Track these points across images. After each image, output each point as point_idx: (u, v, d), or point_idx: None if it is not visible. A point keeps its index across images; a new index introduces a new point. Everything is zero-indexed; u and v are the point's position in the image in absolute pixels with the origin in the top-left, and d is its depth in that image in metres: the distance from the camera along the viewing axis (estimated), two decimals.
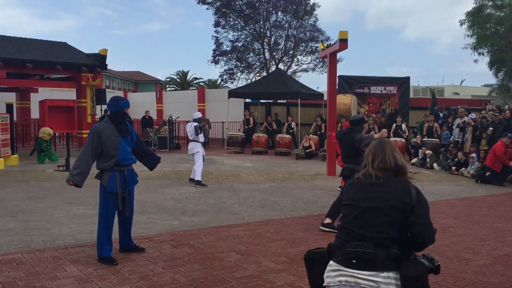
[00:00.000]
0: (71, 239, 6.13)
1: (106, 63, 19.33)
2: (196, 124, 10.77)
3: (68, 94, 20.79)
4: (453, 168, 13.53)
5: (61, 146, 19.13)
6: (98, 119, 19.87)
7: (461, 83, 52.07)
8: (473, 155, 12.96)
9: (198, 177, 10.57)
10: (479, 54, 35.58)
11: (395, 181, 2.71)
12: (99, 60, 19.01)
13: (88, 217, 7.37)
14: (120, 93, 32.83)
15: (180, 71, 57.44)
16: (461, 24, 35.01)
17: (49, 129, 14.84)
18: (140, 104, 26.05)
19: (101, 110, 19.33)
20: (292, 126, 19.51)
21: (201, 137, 10.81)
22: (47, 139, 14.76)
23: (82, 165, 5.16)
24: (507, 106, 17.92)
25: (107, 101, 19.62)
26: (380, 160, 2.75)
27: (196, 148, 10.78)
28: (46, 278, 4.71)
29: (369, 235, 2.59)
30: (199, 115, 11.32)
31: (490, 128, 13.33)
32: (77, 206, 8.14)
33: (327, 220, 6.80)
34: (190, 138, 10.89)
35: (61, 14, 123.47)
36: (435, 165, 14.56)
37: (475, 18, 33.72)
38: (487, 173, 11.73)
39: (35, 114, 20.71)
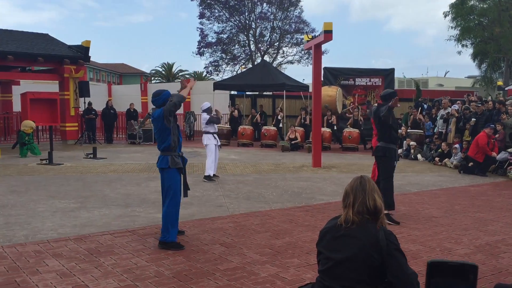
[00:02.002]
0: (54, 233, 6.06)
1: (89, 55, 19.12)
2: (205, 114, 10.27)
3: (50, 86, 20.51)
4: (437, 159, 13.66)
5: (44, 139, 18.90)
6: (81, 112, 19.68)
7: (445, 75, 52.54)
8: (457, 146, 13.09)
9: (206, 171, 10.24)
10: (463, 45, 35.95)
11: (366, 230, 2.71)
12: (82, 52, 18.77)
13: (71, 210, 7.29)
14: (105, 86, 32.48)
15: (165, 63, 56.96)
16: (445, 16, 35.32)
17: (31, 122, 14.65)
18: (125, 97, 25.75)
19: (84, 102, 19.13)
20: (279, 118, 19.49)
21: (211, 127, 10.30)
22: (29, 132, 14.57)
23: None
24: (489, 98, 18.15)
25: (89, 93, 19.38)
26: (360, 202, 2.76)
27: (205, 140, 10.36)
28: (27, 272, 4.65)
29: None
30: (207, 105, 10.56)
31: (473, 119, 13.47)
32: (60, 200, 8.05)
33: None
34: (203, 128, 10.49)
35: (43, 5, 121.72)
36: (419, 156, 14.69)
37: (459, 10, 34.00)
38: (470, 164, 11.86)
39: (17, 107, 20.39)
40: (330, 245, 2.78)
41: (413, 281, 2.65)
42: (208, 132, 10.34)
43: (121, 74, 63.69)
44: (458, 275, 2.02)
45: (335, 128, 17.95)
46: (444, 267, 2.05)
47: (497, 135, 12.27)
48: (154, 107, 5.85)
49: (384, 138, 7.13)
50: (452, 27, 35.08)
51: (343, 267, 2.68)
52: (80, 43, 19.03)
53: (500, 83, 29.76)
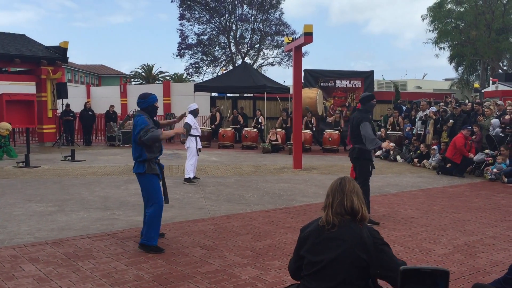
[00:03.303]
0: (30, 237, 5.93)
1: (67, 56, 18.84)
2: (186, 122, 10.01)
3: (27, 88, 20.15)
4: (416, 160, 13.83)
5: (20, 142, 18.55)
6: (59, 114, 19.37)
7: (423, 77, 53.33)
8: (435, 147, 13.26)
9: (186, 173, 10.13)
10: (440, 48, 36.54)
11: (350, 230, 2.72)
12: (59, 53, 18.50)
13: (48, 214, 7.16)
14: (83, 87, 32.06)
15: (145, 65, 56.33)
16: (423, 19, 35.86)
17: (7, 124, 14.37)
18: (104, 98, 25.50)
19: (62, 104, 18.85)
20: (260, 121, 19.46)
21: (194, 130, 10.15)
22: (5, 134, 14.27)
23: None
24: (467, 101, 18.40)
25: (67, 94, 19.03)
26: (338, 203, 2.78)
27: (188, 142, 10.22)
28: (3, 278, 4.54)
29: None
30: (194, 106, 10.34)
31: (450, 120, 13.66)
32: (37, 203, 7.89)
33: None
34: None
35: (19, 5, 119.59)
36: (398, 157, 14.85)
37: (436, 13, 34.54)
38: (448, 165, 12.03)
39: None
40: (315, 249, 2.76)
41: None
42: (191, 135, 10.25)
43: (100, 75, 63.01)
44: (430, 280, 2.05)
45: (314, 129, 18.02)
46: (416, 273, 2.08)
47: (474, 137, 12.47)
48: (137, 109, 5.74)
49: (359, 140, 7.02)
50: (430, 30, 35.65)
51: (330, 269, 2.68)
52: (57, 44, 18.74)
53: (476, 85, 30.30)
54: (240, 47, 35.20)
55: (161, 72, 56.28)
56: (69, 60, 19.81)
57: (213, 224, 6.73)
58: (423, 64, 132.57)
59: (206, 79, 30.58)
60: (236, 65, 31.45)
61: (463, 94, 34.61)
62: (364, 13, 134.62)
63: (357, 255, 2.64)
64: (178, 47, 35.26)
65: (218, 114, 20.80)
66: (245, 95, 24.18)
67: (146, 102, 5.50)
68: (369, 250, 2.65)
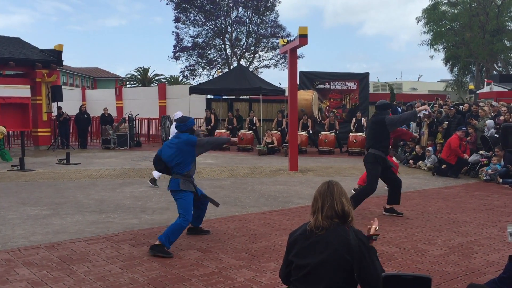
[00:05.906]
0: (25, 241, 5.90)
1: (62, 59, 18.78)
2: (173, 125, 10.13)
3: (22, 91, 20.08)
4: (411, 161, 13.86)
5: (15, 145, 18.48)
6: (54, 117, 19.32)
7: (418, 79, 53.47)
8: (430, 148, 13.30)
9: (154, 174, 10.03)
10: (435, 50, 36.69)
11: (337, 233, 2.74)
12: (54, 56, 18.44)
13: (43, 218, 7.12)
14: (78, 90, 31.95)
15: (140, 68, 56.34)
16: (418, 21, 36.02)
17: (1, 127, 14.30)
18: (99, 101, 25.43)
19: (57, 107, 18.78)
20: (254, 122, 19.47)
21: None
22: (0, 138, 14.21)
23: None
24: (466, 104, 18.40)
25: (62, 97, 18.85)
26: (329, 207, 2.79)
27: None
28: None
29: None
30: (179, 115, 10.57)
31: (445, 122, 13.70)
32: (31, 207, 7.86)
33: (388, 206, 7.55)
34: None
35: (14, 8, 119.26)
36: (394, 158, 14.86)
37: (431, 15, 34.69)
38: (443, 166, 12.06)
39: None
40: (302, 253, 2.78)
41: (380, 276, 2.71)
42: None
43: (96, 78, 62.88)
44: (413, 287, 2.05)
45: (310, 131, 18.04)
46: (398, 280, 2.07)
47: (469, 138, 12.51)
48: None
49: (372, 144, 7.34)
50: (424, 32, 35.82)
51: (317, 272, 2.69)
52: (52, 47, 18.69)
53: (471, 86, 30.47)
54: (236, 49, 35.24)
55: (156, 75, 56.27)
56: (64, 63, 19.78)
57: (208, 226, 6.72)
58: (418, 65, 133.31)
59: (202, 81, 30.59)
60: (232, 67, 31.47)
61: (458, 95, 34.75)
62: (358, 15, 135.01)
63: (343, 257, 2.66)
64: (173, 49, 35.27)
65: (213, 116, 20.79)
66: (241, 97, 24.19)
67: (186, 126, 5.71)
68: (354, 252, 2.67)
